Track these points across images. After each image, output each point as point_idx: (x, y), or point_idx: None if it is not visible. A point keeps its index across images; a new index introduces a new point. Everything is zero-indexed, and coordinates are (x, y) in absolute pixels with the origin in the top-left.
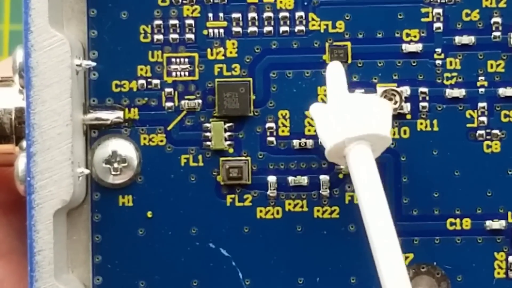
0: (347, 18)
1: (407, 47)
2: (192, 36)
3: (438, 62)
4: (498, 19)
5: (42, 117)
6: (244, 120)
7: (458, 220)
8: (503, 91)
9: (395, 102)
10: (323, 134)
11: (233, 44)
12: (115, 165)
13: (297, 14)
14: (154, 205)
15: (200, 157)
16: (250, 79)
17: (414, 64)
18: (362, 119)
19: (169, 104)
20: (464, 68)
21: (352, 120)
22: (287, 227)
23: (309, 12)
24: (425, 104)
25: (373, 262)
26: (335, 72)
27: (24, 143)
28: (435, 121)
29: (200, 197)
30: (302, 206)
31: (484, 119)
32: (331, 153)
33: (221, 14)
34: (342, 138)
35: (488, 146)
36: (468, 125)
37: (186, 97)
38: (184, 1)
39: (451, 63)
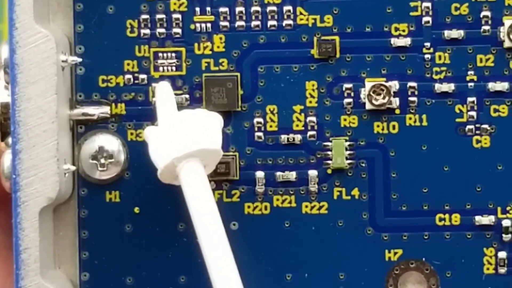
0: (335, 12)
1: (395, 42)
2: (179, 30)
3: (427, 56)
4: (488, 13)
5: (27, 114)
6: (232, 115)
7: (447, 216)
8: (492, 86)
9: (384, 97)
10: (155, 156)
11: (221, 38)
12: (102, 160)
13: (285, 8)
14: (141, 201)
15: None
16: (238, 74)
17: (403, 58)
18: (189, 136)
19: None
20: (453, 63)
21: (180, 138)
22: (275, 223)
23: (297, 6)
24: (414, 98)
25: (362, 257)
26: (163, 92)
27: (9, 140)
28: (424, 116)
29: None
30: (290, 202)
31: (473, 113)
32: (163, 175)
33: (208, 8)
34: (171, 158)
35: (478, 141)
36: (457, 120)
37: (173, 92)
38: None
39: (440, 57)
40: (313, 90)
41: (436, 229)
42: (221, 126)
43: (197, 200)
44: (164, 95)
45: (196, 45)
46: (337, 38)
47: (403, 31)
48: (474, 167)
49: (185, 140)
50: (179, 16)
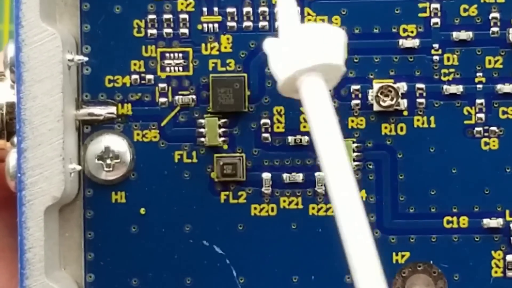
0: (343, 13)
1: (404, 43)
2: (186, 30)
3: (436, 58)
4: (497, 14)
5: (33, 112)
6: (239, 116)
7: (455, 218)
8: (501, 88)
9: (392, 99)
10: (275, 68)
11: (228, 39)
12: (108, 161)
13: None
14: (147, 202)
15: (194, 153)
16: (245, 74)
17: (411, 60)
18: (312, 49)
19: (162, 99)
20: (462, 64)
21: (302, 52)
22: (282, 225)
23: (304, 7)
24: (422, 100)
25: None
26: (286, 4)
27: (15, 139)
28: (432, 118)
29: (193, 194)
30: (297, 204)
31: (482, 115)
32: (284, 87)
33: (215, 9)
34: (293, 71)
35: (486, 143)
36: (465, 121)
37: (180, 92)
38: None
39: (448, 59)
40: None
41: (444, 232)
42: (345, 42)
43: (318, 114)
44: (286, 7)
45: (203, 45)
46: None
47: (412, 32)
48: (482, 170)
49: (309, 53)
50: (186, 16)
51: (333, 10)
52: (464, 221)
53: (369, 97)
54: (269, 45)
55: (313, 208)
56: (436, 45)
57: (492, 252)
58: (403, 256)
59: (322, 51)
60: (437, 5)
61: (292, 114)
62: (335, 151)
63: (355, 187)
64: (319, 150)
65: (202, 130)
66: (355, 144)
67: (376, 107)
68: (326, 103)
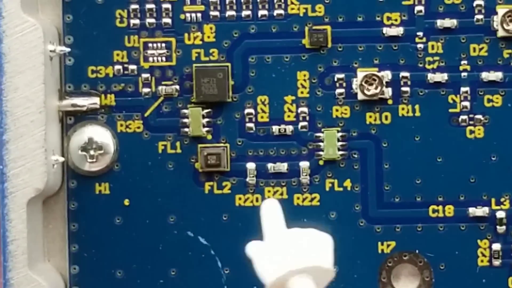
0: (326, 1)
1: (388, 31)
2: (169, 20)
3: (420, 46)
4: (481, 2)
5: (14, 104)
6: (223, 106)
7: (440, 207)
8: (486, 75)
9: (376, 87)
10: (263, 271)
11: (211, 28)
12: (92, 152)
13: None
14: (131, 193)
15: (177, 144)
16: (229, 64)
17: (395, 48)
18: (303, 252)
19: (146, 90)
20: (446, 52)
21: (293, 254)
22: None
23: None
24: (407, 89)
25: (354, 250)
26: (271, 209)
27: None
28: (417, 106)
29: (178, 185)
30: (281, 194)
31: (467, 104)
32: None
33: None
34: (285, 271)
35: (471, 132)
36: (450, 110)
37: (163, 82)
38: None
39: (433, 47)
40: (305, 80)
41: (430, 221)
42: (332, 247)
43: None
44: (271, 212)
45: (186, 35)
46: (328, 27)
47: (396, 20)
48: (468, 158)
49: (300, 256)
50: (169, 6)
51: None
52: (449, 210)
53: (354, 86)
54: (253, 249)
55: (297, 198)
56: (420, 33)
57: (478, 241)
58: (388, 245)
59: (314, 255)
60: None
61: (276, 104)
62: None
63: None
64: None
65: (185, 120)
66: (340, 134)
67: (360, 96)
68: None
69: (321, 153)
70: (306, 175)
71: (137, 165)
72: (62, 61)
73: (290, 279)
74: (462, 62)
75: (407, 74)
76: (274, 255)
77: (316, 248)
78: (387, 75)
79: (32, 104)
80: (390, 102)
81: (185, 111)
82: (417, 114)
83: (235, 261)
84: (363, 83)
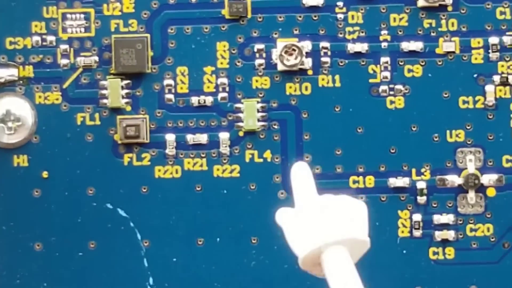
0: None
1: (307, 1)
2: None
3: (340, 16)
4: None
5: None
6: (142, 77)
7: (361, 178)
8: (406, 46)
9: (296, 58)
10: (295, 241)
11: None
12: (10, 124)
13: None
14: (50, 165)
15: (96, 115)
16: (148, 35)
17: (315, 18)
18: (338, 223)
19: (64, 61)
20: (367, 22)
21: (328, 225)
22: (186, 187)
23: None
24: (327, 59)
25: (274, 221)
26: (300, 173)
27: None
28: (337, 77)
29: (97, 157)
30: (201, 165)
31: (387, 74)
32: (305, 261)
33: None
34: (319, 244)
35: (392, 102)
36: (370, 80)
37: (82, 54)
38: None
39: (353, 17)
40: (224, 51)
41: (350, 192)
42: (367, 216)
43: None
44: (301, 177)
45: (105, 6)
46: None
47: None
48: (388, 129)
49: (335, 227)
50: None
51: None
52: (370, 181)
53: (273, 57)
54: (283, 217)
55: (217, 170)
56: (340, 3)
57: (399, 211)
58: None
59: (348, 225)
60: None
61: (195, 75)
62: None
63: None
64: None
65: (104, 91)
66: (260, 104)
67: (280, 67)
68: (354, 277)
69: (241, 124)
70: (226, 146)
71: (55, 137)
72: None
73: (325, 251)
74: (382, 32)
75: (327, 44)
76: (307, 226)
77: (352, 218)
78: (307, 45)
79: None
80: (310, 72)
81: (104, 82)
82: (337, 84)
83: (154, 233)
84: (282, 53)
